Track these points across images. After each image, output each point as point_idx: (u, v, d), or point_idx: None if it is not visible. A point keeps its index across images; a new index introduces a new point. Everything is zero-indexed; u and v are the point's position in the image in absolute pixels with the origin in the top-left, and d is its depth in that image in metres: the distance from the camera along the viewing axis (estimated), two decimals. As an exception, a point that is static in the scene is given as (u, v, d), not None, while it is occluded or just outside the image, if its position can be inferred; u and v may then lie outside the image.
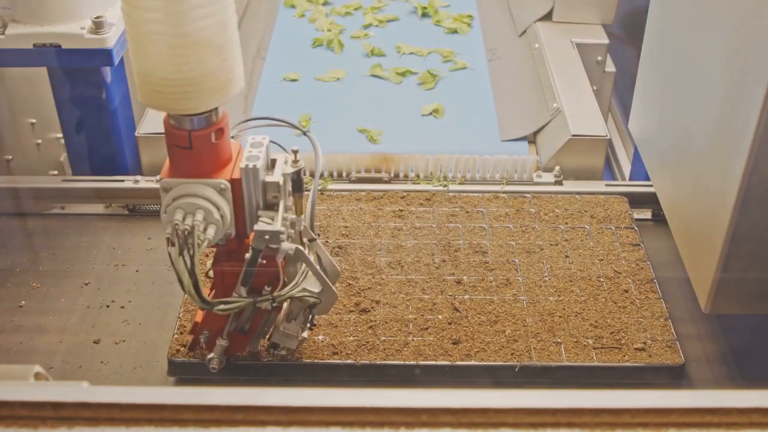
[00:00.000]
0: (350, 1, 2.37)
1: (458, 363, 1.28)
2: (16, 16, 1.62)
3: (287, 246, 1.11)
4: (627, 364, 1.28)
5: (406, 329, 1.33)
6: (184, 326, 1.32)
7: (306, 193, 1.17)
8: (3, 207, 1.66)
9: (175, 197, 1.09)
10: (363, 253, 1.48)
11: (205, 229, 1.09)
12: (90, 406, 0.67)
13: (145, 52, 1.02)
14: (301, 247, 1.14)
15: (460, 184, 1.68)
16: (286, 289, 1.15)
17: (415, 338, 1.32)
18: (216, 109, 1.09)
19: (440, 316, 1.35)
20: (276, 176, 1.13)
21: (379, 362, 1.28)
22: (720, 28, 1.21)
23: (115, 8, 1.68)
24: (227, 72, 1.05)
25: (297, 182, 1.15)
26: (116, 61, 1.64)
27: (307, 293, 1.17)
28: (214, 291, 1.20)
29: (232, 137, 1.16)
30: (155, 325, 1.41)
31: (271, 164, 1.15)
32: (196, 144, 1.08)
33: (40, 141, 1.98)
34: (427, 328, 1.33)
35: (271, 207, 1.14)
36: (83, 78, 1.70)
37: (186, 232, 1.07)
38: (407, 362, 1.28)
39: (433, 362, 1.28)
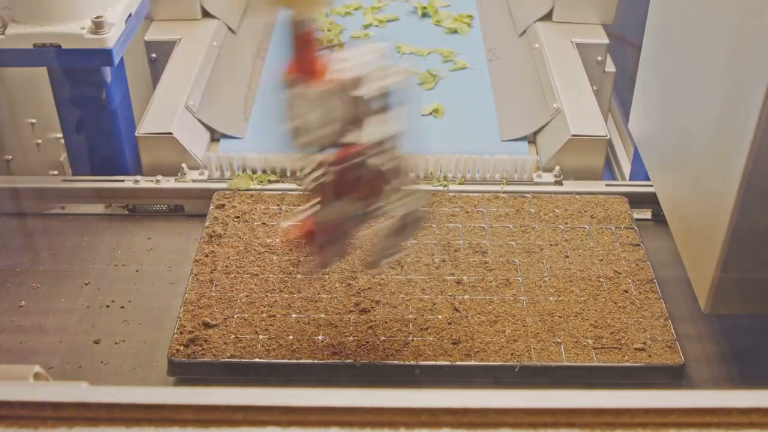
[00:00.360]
0: (350, 1, 2.37)
1: (458, 363, 1.28)
2: (16, 16, 1.62)
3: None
4: (627, 364, 1.28)
5: (406, 329, 1.33)
6: (184, 326, 1.32)
7: None
8: (3, 207, 1.66)
9: (301, 97, 1.10)
10: (363, 253, 1.48)
11: (326, 126, 1.09)
12: (90, 406, 0.67)
13: None
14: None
15: (460, 184, 1.68)
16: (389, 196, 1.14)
17: (415, 338, 1.32)
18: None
19: (440, 316, 1.35)
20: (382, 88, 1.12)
21: (379, 362, 1.28)
22: (720, 28, 1.21)
23: (115, 8, 1.68)
24: None
25: (398, 99, 1.13)
26: (116, 61, 1.64)
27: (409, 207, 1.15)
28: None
29: None
30: (155, 325, 1.41)
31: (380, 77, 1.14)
32: (310, 45, 1.11)
33: (40, 141, 1.98)
34: (427, 328, 1.33)
35: None
36: (83, 78, 1.70)
37: (312, 128, 1.08)
38: (407, 362, 1.28)
39: (433, 362, 1.28)
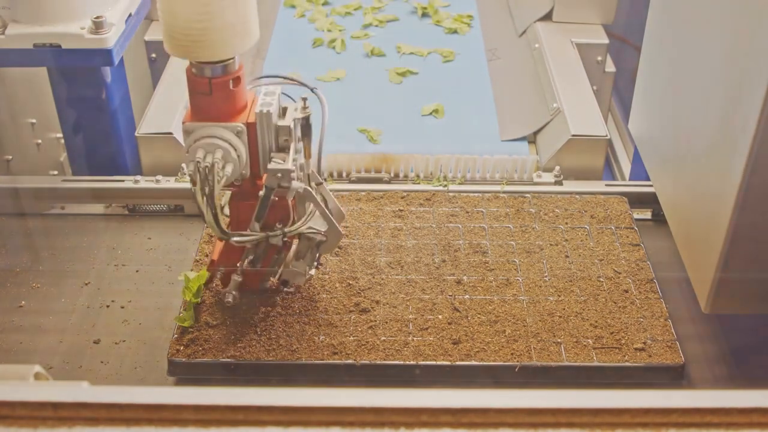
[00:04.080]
0: (350, 1, 2.37)
1: (458, 363, 1.28)
2: (16, 16, 1.62)
3: (297, 184, 1.23)
4: (627, 364, 1.28)
5: (406, 329, 1.33)
6: (184, 326, 1.32)
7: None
8: (3, 207, 1.66)
9: (197, 139, 1.21)
10: (363, 253, 1.48)
11: (223, 167, 1.20)
12: (90, 406, 0.67)
13: (172, 3, 1.14)
14: (308, 188, 1.26)
15: (460, 184, 1.68)
16: (296, 225, 1.27)
17: (415, 338, 1.32)
18: (233, 59, 1.21)
19: (440, 316, 1.35)
20: (287, 121, 1.25)
21: (379, 362, 1.28)
22: (720, 29, 1.21)
23: (115, 8, 1.68)
24: (244, 23, 1.17)
25: (306, 127, 1.26)
26: (116, 61, 1.64)
27: (313, 230, 1.27)
28: (229, 228, 1.30)
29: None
30: (155, 325, 1.41)
31: (283, 111, 1.27)
32: (215, 90, 1.21)
33: (40, 141, 1.98)
34: (427, 328, 1.33)
35: (283, 150, 1.26)
36: (83, 78, 1.70)
37: (207, 169, 1.18)
38: (407, 362, 1.28)
39: (433, 362, 1.28)
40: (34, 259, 1.56)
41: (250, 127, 1.23)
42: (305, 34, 2.22)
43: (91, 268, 1.53)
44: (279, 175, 1.22)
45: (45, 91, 1.77)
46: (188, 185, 1.65)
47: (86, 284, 1.49)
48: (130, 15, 1.71)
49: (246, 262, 1.29)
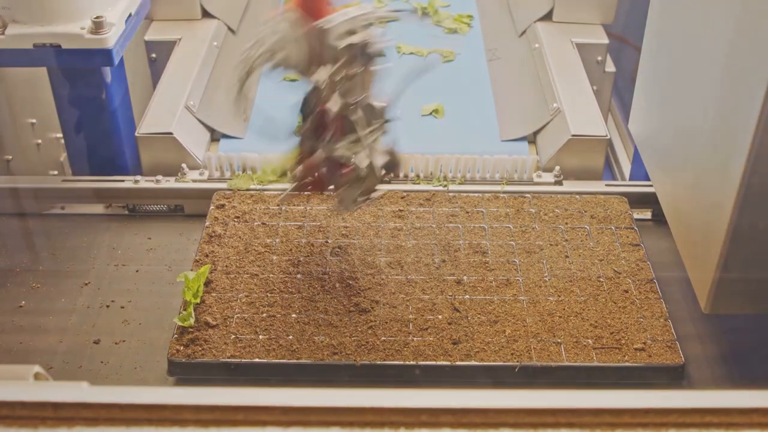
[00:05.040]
0: (350, 1, 2.37)
1: (458, 363, 1.28)
2: (16, 16, 1.62)
3: (334, 103, 1.23)
4: (627, 364, 1.28)
5: (406, 329, 1.33)
6: (184, 326, 1.32)
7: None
8: (3, 207, 1.66)
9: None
10: (363, 253, 1.48)
11: (273, 53, 1.22)
12: (90, 406, 0.67)
13: None
14: (353, 116, 1.25)
15: (460, 184, 1.68)
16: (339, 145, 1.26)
17: (415, 338, 1.32)
18: None
19: (440, 316, 1.35)
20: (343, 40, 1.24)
21: (379, 362, 1.28)
22: (720, 28, 1.21)
23: (115, 8, 1.68)
24: None
25: (364, 57, 1.25)
26: (116, 61, 1.64)
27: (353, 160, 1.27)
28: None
29: None
30: (155, 325, 1.41)
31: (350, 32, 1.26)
32: None
33: (40, 141, 1.99)
34: (427, 328, 1.33)
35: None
36: (83, 78, 1.70)
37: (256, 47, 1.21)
38: (407, 362, 1.28)
39: (433, 362, 1.28)
40: (34, 259, 1.56)
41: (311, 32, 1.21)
42: (305, 34, 2.22)
43: (91, 268, 1.53)
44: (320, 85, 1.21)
45: (45, 91, 1.77)
46: (188, 185, 1.66)
47: (86, 284, 1.49)
48: (130, 15, 1.71)
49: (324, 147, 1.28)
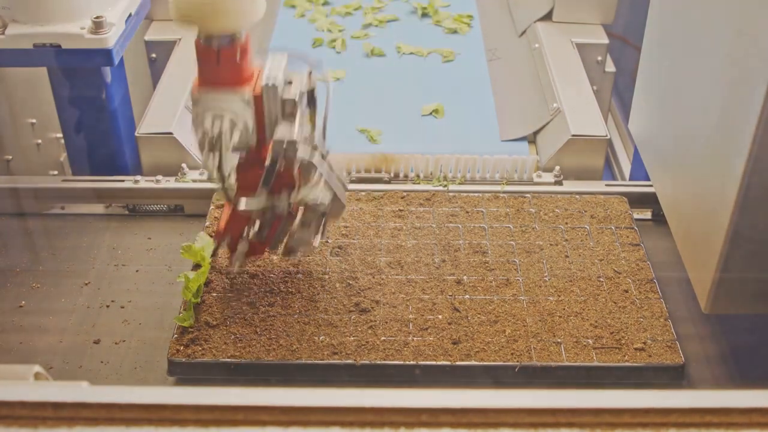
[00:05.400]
0: (350, 1, 2.37)
1: (458, 363, 1.28)
2: (16, 16, 1.62)
3: (303, 154, 1.23)
4: (627, 364, 1.28)
5: (406, 329, 1.33)
6: (184, 326, 1.32)
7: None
8: (3, 207, 1.66)
9: (205, 108, 1.22)
10: (363, 253, 1.48)
11: (231, 133, 1.22)
12: (90, 406, 0.67)
13: None
14: (311, 159, 1.25)
15: (460, 184, 1.68)
16: (301, 192, 1.26)
17: (415, 338, 1.32)
18: (241, 31, 1.21)
19: (440, 316, 1.35)
20: (292, 93, 1.25)
21: (379, 362, 1.28)
22: (720, 28, 1.21)
23: (115, 8, 1.68)
24: None
25: (311, 100, 1.28)
26: (116, 61, 1.64)
27: (318, 199, 1.27)
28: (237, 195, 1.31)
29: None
30: (155, 325, 1.41)
31: (289, 83, 1.27)
32: (223, 61, 1.21)
33: (40, 141, 1.98)
34: (427, 328, 1.33)
35: (289, 120, 1.26)
36: (83, 78, 1.70)
37: (214, 138, 1.20)
38: (407, 362, 1.28)
39: (433, 362, 1.28)
40: (34, 259, 1.56)
41: (257, 99, 1.24)
42: (305, 34, 2.22)
43: (91, 268, 1.53)
44: (284, 145, 1.22)
45: (45, 91, 1.77)
46: (188, 185, 1.66)
47: (86, 284, 1.49)
48: (130, 15, 1.71)
49: (252, 230, 1.30)
